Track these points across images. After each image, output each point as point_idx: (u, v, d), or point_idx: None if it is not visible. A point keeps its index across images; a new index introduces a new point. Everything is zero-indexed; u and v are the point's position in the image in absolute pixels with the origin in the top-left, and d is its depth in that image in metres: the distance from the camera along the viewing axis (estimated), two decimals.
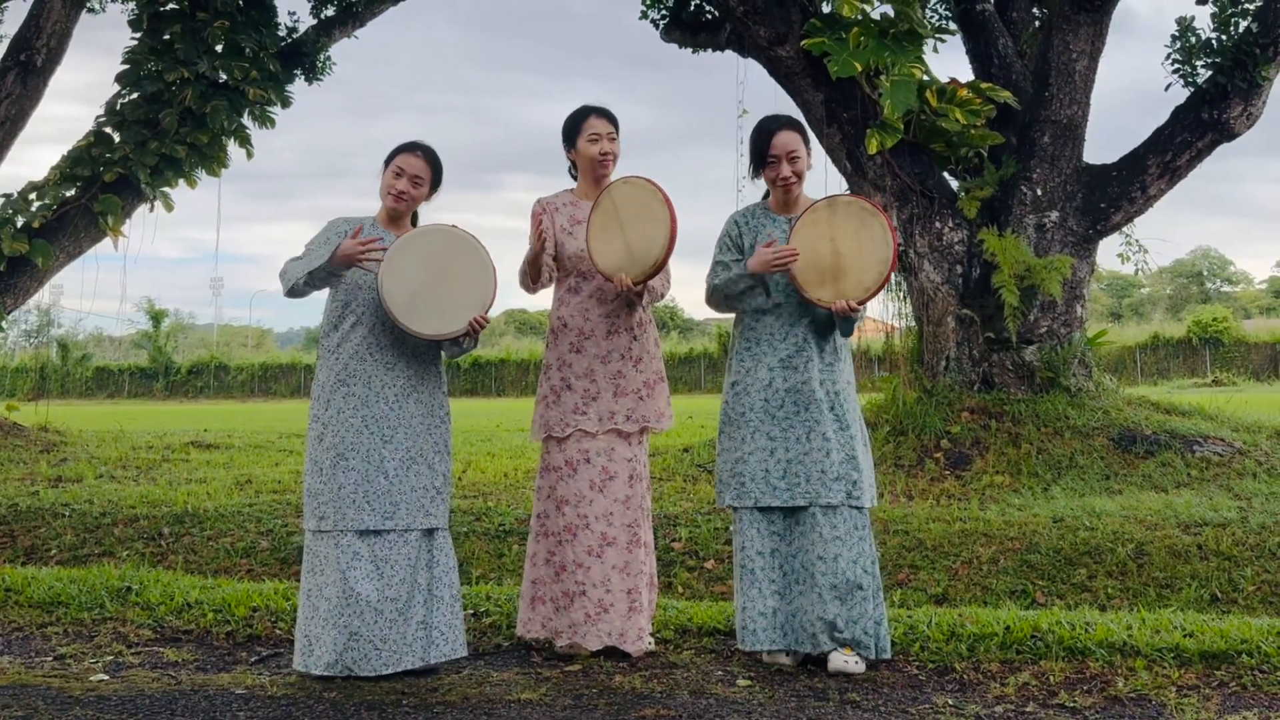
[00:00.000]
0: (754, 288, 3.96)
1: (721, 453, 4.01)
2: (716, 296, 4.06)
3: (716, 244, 4.13)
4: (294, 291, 3.92)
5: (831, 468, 3.80)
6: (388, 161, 4.00)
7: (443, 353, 4.07)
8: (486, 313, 3.89)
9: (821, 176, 10.35)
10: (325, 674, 3.71)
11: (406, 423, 3.88)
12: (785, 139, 3.99)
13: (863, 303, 3.83)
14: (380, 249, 3.78)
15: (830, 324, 3.94)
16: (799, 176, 4.01)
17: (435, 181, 4.05)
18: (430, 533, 3.90)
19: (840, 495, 3.79)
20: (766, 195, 4.16)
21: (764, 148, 4.00)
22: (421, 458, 3.89)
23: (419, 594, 3.83)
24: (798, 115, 4.41)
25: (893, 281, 8.61)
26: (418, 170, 3.98)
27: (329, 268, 3.81)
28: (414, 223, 4.12)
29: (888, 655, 3.80)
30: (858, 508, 3.83)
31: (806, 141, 4.05)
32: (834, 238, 3.84)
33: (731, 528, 4.03)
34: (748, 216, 4.11)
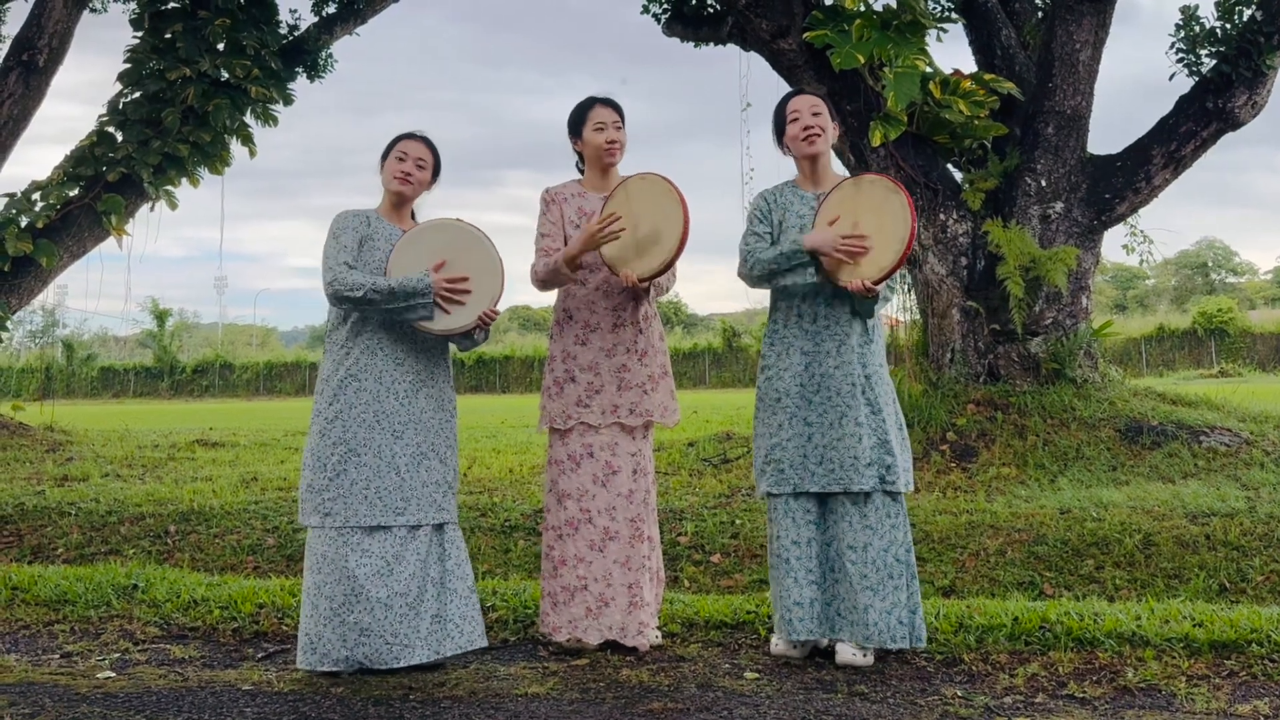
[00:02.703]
0: (804, 265, 3.87)
1: (758, 439, 3.96)
2: (759, 270, 3.92)
3: (749, 218, 4.07)
4: (379, 311, 3.81)
5: (864, 453, 3.75)
6: (387, 151, 4.01)
7: (455, 347, 4.06)
8: (496, 305, 3.88)
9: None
10: (334, 670, 3.70)
11: (417, 418, 3.86)
12: (807, 99, 4.00)
13: (879, 282, 3.72)
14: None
15: (853, 306, 3.87)
16: (823, 131, 3.95)
17: (436, 168, 4.06)
18: (440, 527, 3.89)
19: (872, 481, 3.74)
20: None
21: (785, 109, 4.00)
22: (433, 452, 3.88)
23: (431, 587, 3.82)
24: None
25: (898, 274, 8.60)
26: (420, 154, 3.99)
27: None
28: (412, 219, 4.11)
29: (923, 644, 3.75)
30: (892, 493, 3.78)
31: (831, 111, 4.02)
32: (856, 216, 3.77)
33: (767, 516, 4.00)
34: (775, 194, 4.08)
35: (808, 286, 3.90)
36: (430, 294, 3.78)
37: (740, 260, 4.01)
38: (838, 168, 4.13)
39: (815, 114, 3.96)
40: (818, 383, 3.85)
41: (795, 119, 3.98)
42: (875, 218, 3.75)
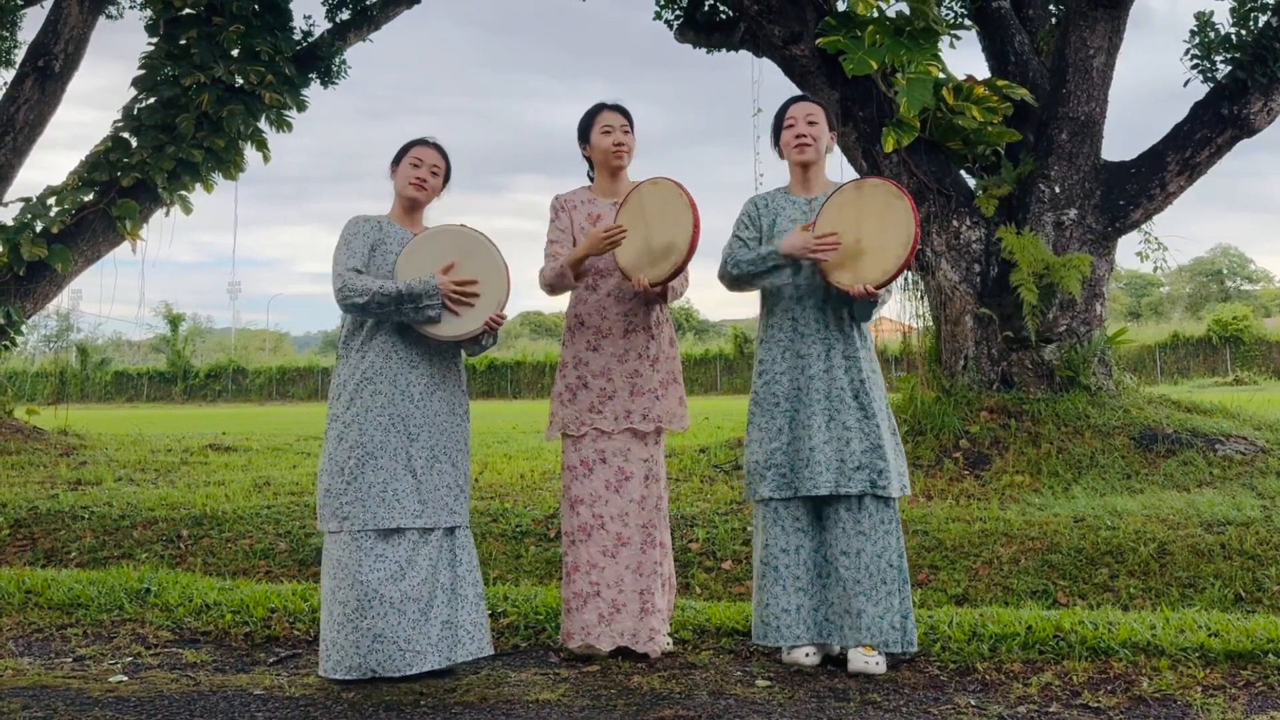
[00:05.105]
0: (781, 268, 3.90)
1: (752, 442, 3.96)
2: (736, 271, 3.97)
3: (736, 222, 4.11)
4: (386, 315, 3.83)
5: (852, 457, 3.76)
6: (399, 157, 4.05)
7: (463, 352, 4.08)
8: (503, 309, 3.89)
9: (838, 175, 10.34)
10: (348, 678, 3.69)
11: (431, 420, 3.88)
12: (805, 106, 4.04)
13: (880, 287, 3.75)
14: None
15: (852, 310, 3.90)
16: (815, 140, 3.99)
17: (447, 174, 4.12)
18: (452, 531, 3.89)
19: (862, 485, 3.74)
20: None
21: (783, 115, 4.05)
22: (445, 455, 3.89)
23: (441, 593, 3.81)
24: None
25: (910, 281, 8.58)
26: (435, 161, 4.04)
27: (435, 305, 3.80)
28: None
29: (914, 649, 3.76)
30: (883, 499, 3.78)
31: (829, 120, 4.05)
32: (859, 220, 3.80)
33: (753, 522, 3.99)
34: (767, 199, 4.11)
35: (796, 290, 3.93)
36: (438, 295, 3.80)
37: (720, 262, 4.06)
38: (833, 174, 4.17)
39: (811, 122, 4.00)
40: (805, 385, 3.86)
41: (790, 125, 4.02)
42: (878, 222, 3.78)
